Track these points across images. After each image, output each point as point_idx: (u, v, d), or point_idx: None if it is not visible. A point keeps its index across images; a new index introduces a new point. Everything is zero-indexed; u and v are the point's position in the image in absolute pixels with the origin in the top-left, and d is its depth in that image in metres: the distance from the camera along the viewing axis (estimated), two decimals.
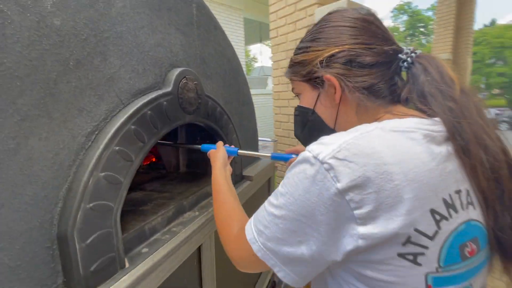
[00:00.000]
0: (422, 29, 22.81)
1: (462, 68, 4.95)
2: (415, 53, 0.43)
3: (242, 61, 6.71)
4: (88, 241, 0.50)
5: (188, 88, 0.76)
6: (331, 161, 0.33)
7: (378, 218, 0.32)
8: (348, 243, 0.34)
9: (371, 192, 0.32)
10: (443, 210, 0.34)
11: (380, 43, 0.43)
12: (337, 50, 0.43)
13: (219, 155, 0.72)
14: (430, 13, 22.30)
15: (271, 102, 2.47)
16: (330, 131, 0.50)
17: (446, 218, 0.34)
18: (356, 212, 0.32)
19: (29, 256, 0.44)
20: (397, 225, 0.32)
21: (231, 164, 1.08)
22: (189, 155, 1.21)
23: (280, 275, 0.39)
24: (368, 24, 0.44)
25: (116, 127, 0.54)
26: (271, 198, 0.41)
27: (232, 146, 0.82)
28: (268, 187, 1.51)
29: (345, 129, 0.44)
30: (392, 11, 24.67)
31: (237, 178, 1.15)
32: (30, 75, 0.42)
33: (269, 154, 0.75)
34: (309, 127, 0.53)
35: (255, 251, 0.41)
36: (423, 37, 22.73)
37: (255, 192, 1.24)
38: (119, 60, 0.57)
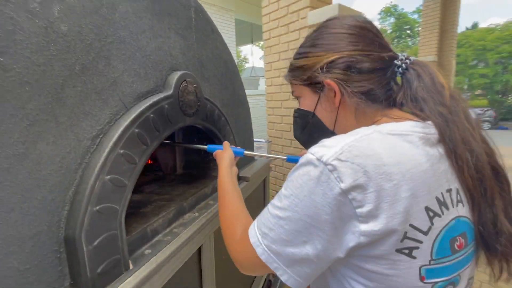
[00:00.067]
0: (408, 31, 23.41)
1: (447, 70, 5.13)
2: (410, 59, 0.46)
3: None
4: (95, 243, 0.50)
5: (188, 91, 0.77)
6: (334, 162, 0.35)
7: (379, 216, 0.34)
8: (351, 240, 0.36)
9: (371, 191, 0.34)
10: (436, 207, 0.37)
11: (377, 50, 0.45)
12: (336, 56, 0.45)
13: (225, 155, 0.72)
14: (415, 16, 22.93)
15: (263, 102, 2.49)
16: (329, 133, 0.52)
17: (439, 215, 0.37)
18: (358, 210, 0.34)
19: (38, 260, 0.44)
20: (396, 222, 0.34)
21: None
22: (186, 156, 1.21)
23: (283, 278, 0.39)
24: (366, 31, 0.46)
25: (121, 131, 0.55)
26: (275, 201, 0.42)
27: (238, 147, 0.82)
28: (263, 188, 1.53)
29: (344, 131, 0.46)
30: (379, 13, 25.19)
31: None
32: (38, 80, 0.42)
33: (285, 157, 0.76)
34: (309, 129, 0.55)
35: (258, 254, 0.41)
36: (409, 39, 23.33)
37: (251, 192, 1.26)
38: (122, 64, 0.58)
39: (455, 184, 0.39)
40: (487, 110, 13.65)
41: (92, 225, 0.50)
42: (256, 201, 1.39)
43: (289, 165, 2.29)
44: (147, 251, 0.66)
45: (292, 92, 0.57)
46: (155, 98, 0.65)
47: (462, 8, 5.24)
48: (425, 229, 0.36)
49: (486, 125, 12.56)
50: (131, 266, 0.60)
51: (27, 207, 0.42)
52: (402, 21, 23.35)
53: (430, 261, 0.36)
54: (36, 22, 0.41)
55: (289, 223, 0.38)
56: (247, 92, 1.48)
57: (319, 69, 0.47)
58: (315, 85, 0.49)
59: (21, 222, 0.41)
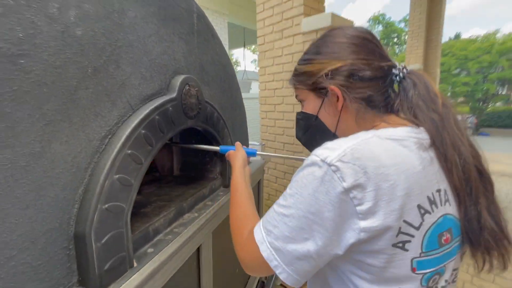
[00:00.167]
0: (395, 39, 24.17)
1: (432, 78, 5.33)
2: (407, 69, 0.50)
3: None
4: (103, 240, 0.52)
5: (190, 94, 0.80)
6: (337, 163, 0.38)
7: (377, 213, 0.37)
8: (351, 237, 0.39)
9: (370, 190, 0.37)
10: (427, 205, 0.41)
11: (378, 59, 0.49)
12: (340, 64, 0.49)
13: (239, 156, 0.74)
14: (402, 25, 23.71)
15: (254, 106, 2.53)
16: (330, 135, 0.55)
17: (429, 212, 0.41)
18: (358, 208, 0.38)
19: (49, 256, 0.45)
20: (392, 218, 0.38)
21: (226, 166, 1.12)
22: (183, 158, 1.23)
23: (282, 276, 0.42)
24: (368, 42, 0.50)
25: (129, 132, 0.57)
26: (280, 200, 0.44)
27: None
28: (257, 190, 1.56)
29: (345, 134, 0.50)
30: (368, 22, 25.91)
31: (230, 181, 1.19)
32: (55, 82, 0.44)
33: (297, 157, 0.79)
34: (311, 131, 0.58)
35: (261, 251, 0.43)
36: (397, 46, 24.09)
37: None
38: (130, 67, 0.60)
39: (444, 185, 0.43)
40: (469, 117, 14.24)
41: (101, 223, 0.51)
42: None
43: (281, 167, 2.33)
44: (150, 250, 0.67)
45: (296, 96, 0.60)
46: (160, 100, 0.67)
47: (445, 19, 5.49)
48: (416, 225, 0.40)
49: (468, 131, 13.04)
50: (135, 264, 0.61)
51: (41, 205, 0.43)
52: (389, 29, 24.10)
53: (420, 253, 0.40)
54: (55, 26, 0.43)
55: (292, 220, 0.41)
56: None
57: (323, 75, 0.50)
58: (319, 90, 0.52)
59: (35, 219, 0.43)
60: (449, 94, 17.19)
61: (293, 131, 2.18)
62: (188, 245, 0.76)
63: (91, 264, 0.50)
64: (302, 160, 0.45)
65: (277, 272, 0.42)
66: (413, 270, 0.40)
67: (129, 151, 0.57)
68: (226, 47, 5.98)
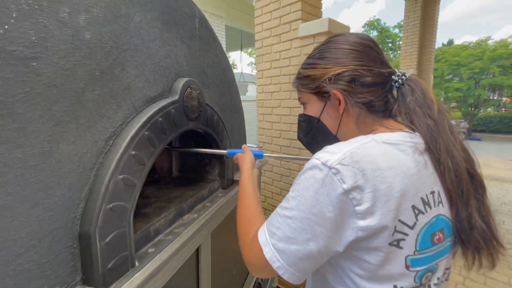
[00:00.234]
0: (390, 45, 24.54)
1: (426, 83, 5.44)
2: (405, 76, 0.52)
3: None
4: (107, 239, 0.53)
5: (191, 96, 0.81)
6: (337, 166, 0.40)
7: (375, 213, 0.40)
8: (350, 235, 0.41)
9: (368, 192, 0.40)
10: (421, 206, 0.43)
11: (379, 66, 0.51)
12: (343, 69, 0.51)
13: (247, 158, 0.75)
14: (397, 30, 24.11)
15: (251, 108, 2.55)
16: (331, 137, 0.57)
17: (423, 213, 0.43)
18: (357, 208, 0.40)
19: (54, 254, 0.46)
20: (389, 218, 0.40)
21: (224, 168, 1.14)
22: (181, 160, 1.24)
23: (285, 276, 0.43)
24: (369, 49, 0.52)
25: (133, 133, 0.58)
26: (283, 203, 0.46)
27: (257, 148, 0.85)
28: None
29: (345, 136, 0.52)
30: (363, 27, 26.29)
31: (229, 183, 1.20)
32: (64, 84, 0.45)
33: (305, 157, 0.80)
34: (313, 132, 0.60)
35: (264, 253, 0.45)
36: (391, 52, 24.46)
37: None
38: (134, 70, 0.61)
39: (437, 187, 0.46)
40: (461, 122, 14.50)
41: (105, 222, 0.52)
42: None
43: (278, 170, 2.35)
44: (151, 250, 0.68)
45: (299, 99, 0.62)
46: (163, 102, 0.68)
47: (439, 26, 5.61)
48: (411, 224, 0.42)
49: (461, 137, 13.29)
50: (136, 264, 0.62)
51: (48, 204, 0.44)
52: (384, 34, 24.47)
53: (414, 251, 0.42)
54: (65, 30, 0.44)
55: (295, 221, 0.42)
56: None
57: (326, 80, 0.52)
58: (322, 94, 0.54)
59: (43, 218, 0.44)
60: (442, 99, 17.49)
61: (289, 134, 2.20)
62: (188, 245, 0.77)
63: (95, 263, 0.51)
64: (307, 160, 0.47)
65: (280, 273, 0.43)
66: (407, 267, 0.42)
67: (133, 152, 0.59)
68: (223, 50, 6.01)
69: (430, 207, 0.44)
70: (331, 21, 1.80)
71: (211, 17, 5.36)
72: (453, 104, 17.80)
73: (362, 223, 0.40)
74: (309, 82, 0.56)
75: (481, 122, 16.30)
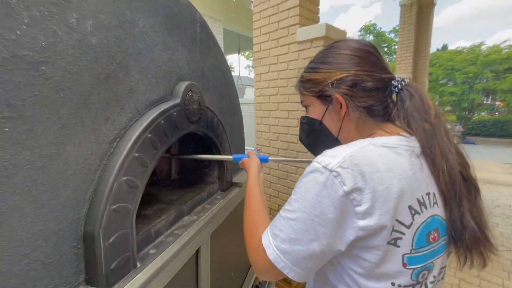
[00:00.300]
0: (386, 49, 24.84)
1: (422, 87, 5.52)
2: (405, 81, 0.54)
3: None
4: (111, 240, 0.54)
5: (193, 100, 0.82)
6: (338, 169, 0.42)
7: (374, 213, 0.41)
8: (351, 234, 0.43)
9: (368, 193, 0.41)
10: (417, 207, 0.45)
11: (379, 71, 0.53)
12: (345, 74, 0.53)
13: (253, 163, 0.77)
14: (392, 35, 24.44)
15: (249, 111, 2.56)
16: (333, 139, 0.59)
17: (419, 213, 0.45)
18: (357, 208, 0.41)
19: (59, 254, 0.47)
20: (387, 218, 0.42)
21: (223, 171, 1.15)
22: (181, 162, 1.25)
23: (290, 275, 0.45)
24: (370, 55, 0.54)
25: (136, 135, 0.59)
26: (286, 206, 0.48)
27: (268, 155, 0.87)
28: None
29: (346, 139, 0.54)
30: (359, 31, 26.60)
31: (228, 185, 1.21)
32: (71, 88, 0.46)
33: (308, 160, 0.82)
34: (315, 134, 0.62)
35: (268, 255, 0.46)
36: (387, 56, 24.76)
37: (243, 197, 1.31)
38: (138, 74, 0.63)
39: (433, 189, 0.48)
40: (456, 126, 14.70)
41: (108, 223, 0.53)
42: None
43: (275, 172, 2.37)
44: (152, 251, 0.69)
45: (302, 101, 0.63)
46: (165, 106, 0.70)
47: (433, 31, 5.72)
48: (407, 224, 0.44)
49: (456, 140, 13.48)
50: (138, 264, 0.63)
51: (54, 204, 0.45)
52: (380, 39, 24.77)
53: (411, 250, 0.44)
54: (73, 35, 0.46)
55: (298, 223, 0.44)
56: None
57: (329, 84, 0.54)
58: (324, 98, 0.56)
59: (49, 218, 0.44)
60: (437, 103, 17.71)
61: (287, 137, 2.22)
62: (189, 246, 0.78)
63: (99, 263, 0.52)
64: (309, 162, 0.48)
65: (285, 272, 0.45)
66: (404, 265, 0.44)
67: (136, 154, 0.60)
68: None
69: (426, 208, 0.46)
70: (328, 26, 1.83)
71: (209, 20, 5.39)
72: (448, 108, 18.04)
73: (362, 223, 0.42)
74: (311, 85, 0.58)
75: (475, 125, 16.53)
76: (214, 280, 1.00)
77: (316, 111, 0.60)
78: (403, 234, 0.43)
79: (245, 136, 1.59)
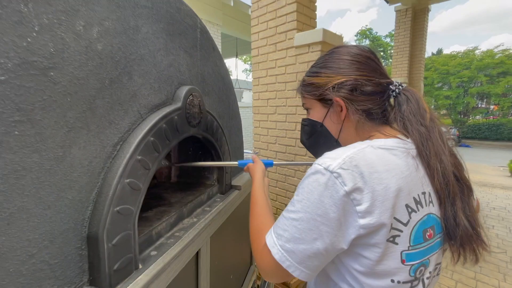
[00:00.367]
0: (382, 53, 25.13)
1: (418, 91, 5.60)
2: (402, 86, 0.57)
3: None
4: (114, 241, 0.55)
5: (193, 104, 0.84)
6: (339, 170, 0.44)
7: (373, 212, 0.43)
8: (352, 233, 0.44)
9: (367, 192, 0.43)
10: (413, 205, 0.47)
11: (378, 76, 0.55)
12: (345, 78, 0.55)
13: (258, 168, 0.78)
14: (388, 40, 24.75)
15: (246, 114, 2.58)
16: (333, 141, 0.61)
17: (415, 211, 0.47)
18: (358, 208, 0.43)
19: (64, 255, 0.48)
20: (386, 216, 0.44)
21: (223, 174, 1.16)
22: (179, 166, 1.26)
23: (295, 274, 0.46)
24: (370, 60, 0.56)
25: (139, 139, 0.61)
26: (289, 207, 0.50)
27: (266, 158, 0.89)
28: None
29: (346, 140, 0.56)
30: (356, 35, 26.91)
31: (227, 188, 1.23)
32: (77, 92, 0.48)
33: (311, 163, 0.84)
34: (316, 136, 0.64)
35: (273, 254, 0.47)
36: (383, 60, 25.03)
37: (243, 199, 1.32)
38: (141, 79, 0.64)
39: (428, 188, 0.50)
40: (451, 129, 14.86)
41: (112, 224, 0.54)
42: (247, 206, 1.46)
43: (273, 176, 2.38)
44: (153, 253, 0.70)
45: (303, 104, 0.66)
46: (167, 109, 0.71)
47: (428, 36, 5.81)
48: (405, 221, 0.46)
49: (451, 143, 13.64)
50: (140, 266, 0.63)
51: (60, 206, 0.46)
52: (376, 43, 25.08)
53: (408, 247, 0.46)
54: (80, 42, 0.47)
55: (301, 223, 0.46)
56: None
57: (330, 88, 0.56)
58: (326, 101, 0.58)
59: (55, 219, 0.46)
60: (432, 106, 17.90)
61: (285, 140, 2.24)
62: (189, 248, 0.79)
63: (102, 264, 0.53)
64: (309, 165, 0.50)
65: (290, 270, 0.46)
66: (402, 261, 0.46)
67: (139, 157, 0.61)
68: None
69: (422, 206, 0.48)
70: (325, 31, 1.87)
71: (207, 25, 5.43)
72: (443, 112, 18.25)
73: (362, 221, 0.43)
74: (313, 89, 0.60)
75: (471, 129, 16.72)
76: (213, 281, 1.00)
77: (317, 113, 0.62)
78: (401, 231, 0.45)
79: (244, 139, 1.61)
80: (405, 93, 0.56)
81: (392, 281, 0.46)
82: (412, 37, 5.56)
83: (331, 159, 0.46)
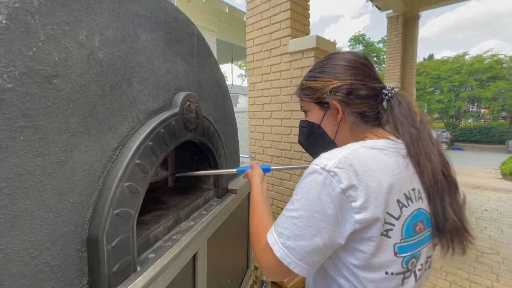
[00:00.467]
0: (375, 59, 25.56)
1: (409, 95, 5.70)
2: (394, 90, 0.60)
3: None
4: (113, 243, 0.56)
5: (190, 109, 0.86)
6: (335, 169, 0.47)
7: (368, 207, 0.46)
8: (349, 228, 0.47)
9: (362, 189, 0.46)
10: (404, 200, 0.50)
11: (372, 81, 0.59)
12: (341, 83, 0.58)
13: (256, 173, 0.81)
14: (381, 45, 25.21)
15: (242, 119, 2.61)
16: (329, 142, 0.64)
17: (406, 206, 0.50)
18: (353, 204, 0.46)
19: (65, 257, 0.49)
20: (380, 210, 0.47)
21: (219, 178, 1.18)
22: (177, 169, 1.27)
23: (296, 270, 0.49)
24: (364, 66, 0.60)
25: (138, 143, 0.62)
26: (288, 206, 0.52)
27: (262, 162, 0.91)
28: (248, 200, 1.61)
29: (342, 141, 0.59)
30: (349, 41, 27.35)
31: (223, 192, 1.24)
32: (79, 99, 0.49)
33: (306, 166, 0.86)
34: (313, 137, 0.67)
35: (274, 252, 0.50)
36: (376, 65, 25.45)
37: (239, 203, 1.34)
38: (140, 85, 0.66)
39: (418, 185, 0.54)
40: (444, 132, 15.14)
41: (111, 227, 0.55)
42: (243, 210, 1.47)
43: (269, 180, 2.40)
44: (151, 255, 0.71)
45: (301, 107, 0.69)
46: (164, 115, 0.73)
47: (419, 42, 5.95)
48: (396, 216, 0.49)
49: (444, 146, 13.90)
50: (138, 268, 0.65)
51: (62, 209, 0.48)
52: (369, 49, 25.52)
53: (401, 240, 0.49)
54: (82, 51, 0.49)
55: (301, 220, 0.48)
56: None
57: (327, 91, 0.59)
58: (323, 104, 0.62)
59: (56, 222, 0.47)
60: (425, 110, 18.21)
61: (280, 145, 2.27)
62: (186, 251, 0.80)
63: (102, 266, 0.54)
64: (306, 168, 0.53)
65: (291, 267, 0.49)
66: (395, 254, 0.49)
67: (138, 161, 0.63)
68: None
69: (412, 201, 0.51)
70: (319, 38, 1.92)
71: (203, 31, 5.48)
72: (436, 115, 18.58)
73: (358, 216, 0.46)
74: (311, 92, 0.63)
75: (463, 132, 17.04)
76: (210, 285, 1.01)
77: (315, 115, 0.65)
78: (393, 225, 0.48)
79: (239, 144, 1.63)
80: (397, 97, 0.59)
81: (386, 273, 0.49)
82: (404, 43, 5.69)
83: (327, 159, 0.49)
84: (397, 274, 0.49)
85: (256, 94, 2.45)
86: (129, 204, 0.60)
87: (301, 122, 0.71)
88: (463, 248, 0.52)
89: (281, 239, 0.50)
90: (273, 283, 1.93)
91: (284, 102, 2.19)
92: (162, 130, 0.72)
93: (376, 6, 5.61)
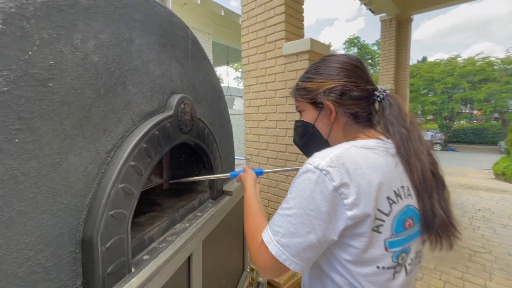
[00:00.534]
0: (369, 61, 25.84)
1: (402, 97, 5.78)
2: (386, 92, 0.62)
3: None
4: (108, 245, 0.56)
5: (185, 111, 0.87)
6: (327, 168, 0.49)
7: (359, 204, 0.48)
8: (341, 224, 0.49)
9: (353, 187, 0.48)
10: (394, 197, 0.52)
11: (365, 83, 0.61)
12: (335, 84, 0.60)
13: (249, 176, 0.82)
14: (375, 48, 25.50)
15: (238, 121, 2.62)
16: (323, 141, 0.66)
17: (395, 203, 0.52)
18: (345, 201, 0.48)
19: (59, 258, 0.50)
20: (370, 207, 0.48)
21: (214, 180, 1.19)
22: (172, 172, 1.27)
23: (291, 266, 0.50)
24: (357, 68, 0.62)
25: (133, 145, 0.63)
26: (283, 205, 0.54)
27: (258, 164, 0.92)
28: (243, 202, 1.62)
29: (335, 140, 0.61)
30: (344, 44, 27.63)
31: (218, 193, 1.25)
32: (74, 102, 0.50)
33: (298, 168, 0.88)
34: (308, 137, 0.69)
35: (270, 250, 0.51)
36: (371, 67, 25.72)
37: (235, 204, 1.34)
38: (134, 88, 0.67)
39: (407, 183, 0.56)
40: (437, 133, 15.34)
41: (106, 228, 0.56)
42: (238, 211, 1.48)
43: (265, 182, 2.41)
44: (145, 257, 0.72)
45: (297, 107, 0.71)
46: (159, 117, 0.74)
47: (412, 44, 6.05)
48: (386, 212, 0.50)
49: (437, 147, 14.07)
50: (133, 269, 0.65)
51: (56, 210, 0.48)
52: (364, 51, 25.79)
53: (391, 235, 0.51)
54: (77, 54, 0.50)
55: (295, 218, 0.50)
56: None
57: (321, 92, 0.61)
58: (317, 104, 0.64)
59: (50, 223, 0.47)
60: (419, 112, 18.43)
61: (276, 146, 2.28)
62: (181, 253, 0.81)
63: (96, 267, 0.54)
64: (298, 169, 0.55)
65: (286, 264, 0.50)
66: (386, 248, 0.51)
67: (132, 163, 0.63)
68: None
69: (401, 198, 0.53)
70: (313, 41, 1.94)
71: (198, 34, 5.50)
72: (430, 117, 18.81)
73: (350, 213, 0.48)
74: (306, 93, 0.65)
75: (456, 133, 17.29)
76: (206, 286, 1.02)
77: (310, 115, 0.67)
78: (383, 221, 0.50)
79: (235, 146, 1.64)
80: (388, 99, 0.62)
81: (378, 267, 0.50)
82: (397, 46, 5.78)
83: (320, 158, 0.51)
84: (388, 268, 0.51)
85: (251, 97, 2.47)
86: (124, 206, 0.61)
87: (296, 122, 0.73)
88: (450, 243, 0.54)
89: (276, 236, 0.51)
90: (269, 284, 1.93)
91: (279, 104, 2.21)
92: (157, 132, 0.72)
93: (370, 9, 5.68)
